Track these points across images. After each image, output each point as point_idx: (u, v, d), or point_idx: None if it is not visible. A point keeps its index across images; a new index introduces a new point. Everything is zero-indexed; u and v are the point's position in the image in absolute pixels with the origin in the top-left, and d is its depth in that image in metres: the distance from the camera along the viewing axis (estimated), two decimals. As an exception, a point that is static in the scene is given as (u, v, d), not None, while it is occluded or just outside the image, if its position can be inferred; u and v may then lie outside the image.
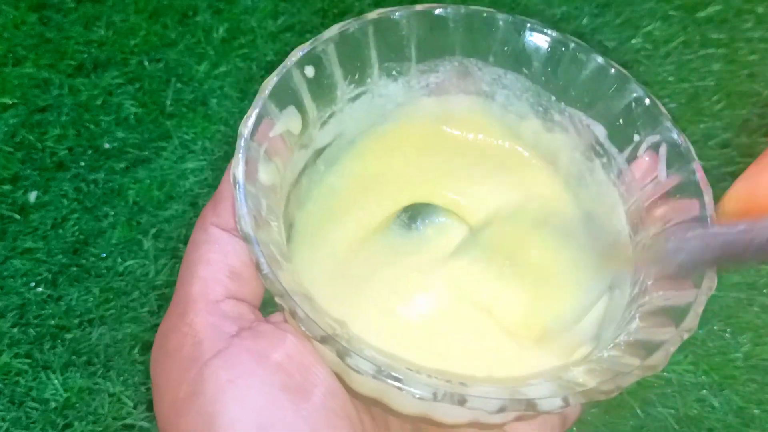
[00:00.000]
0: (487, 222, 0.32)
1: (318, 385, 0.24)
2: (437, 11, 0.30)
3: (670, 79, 0.87)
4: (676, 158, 0.28)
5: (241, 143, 0.26)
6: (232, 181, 0.25)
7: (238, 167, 0.25)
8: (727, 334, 0.74)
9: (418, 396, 0.22)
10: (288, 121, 0.28)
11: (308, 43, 0.28)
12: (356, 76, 0.30)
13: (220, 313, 0.25)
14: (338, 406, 0.24)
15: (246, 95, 0.81)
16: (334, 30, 0.28)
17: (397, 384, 0.22)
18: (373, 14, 0.29)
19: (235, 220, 0.25)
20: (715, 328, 0.74)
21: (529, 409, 0.22)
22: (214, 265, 0.26)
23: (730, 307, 0.75)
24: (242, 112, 0.88)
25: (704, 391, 0.71)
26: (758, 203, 0.23)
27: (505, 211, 0.32)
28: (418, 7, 0.30)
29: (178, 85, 0.81)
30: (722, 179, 0.80)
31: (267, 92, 0.27)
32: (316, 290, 0.25)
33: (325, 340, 0.23)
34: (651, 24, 0.90)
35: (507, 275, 0.31)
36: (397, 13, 0.29)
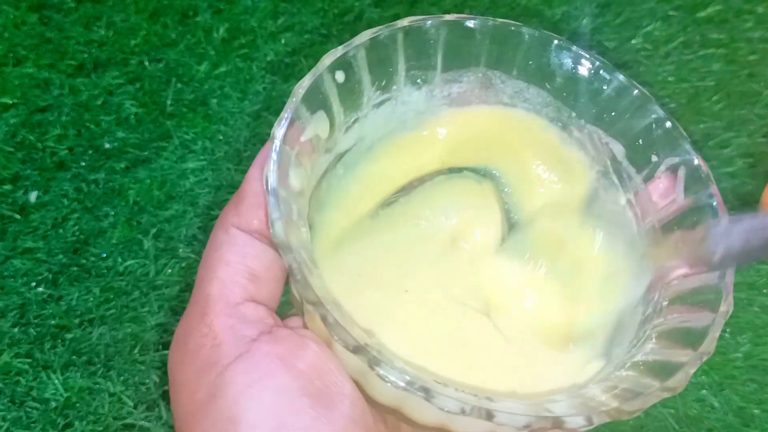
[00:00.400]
0: (531, 218, 0.32)
1: (338, 394, 0.24)
2: (468, 23, 0.30)
3: (670, 79, 0.87)
4: (694, 181, 0.28)
5: (274, 147, 0.26)
6: (264, 186, 0.25)
7: (271, 171, 0.25)
8: (726, 334, 0.74)
9: (446, 410, 0.22)
10: (318, 125, 0.28)
11: (340, 47, 0.28)
12: (383, 83, 0.30)
13: (240, 316, 0.25)
14: (358, 415, 0.24)
15: (246, 95, 0.81)
16: (365, 36, 0.29)
17: (426, 396, 0.22)
18: (403, 21, 0.29)
19: (259, 226, 0.25)
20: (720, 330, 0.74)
21: (555, 426, 0.22)
22: (234, 266, 0.26)
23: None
24: (243, 112, 0.88)
25: (704, 390, 0.71)
26: None
27: (551, 206, 0.32)
28: (448, 17, 0.30)
29: (179, 85, 0.81)
30: (722, 179, 0.80)
31: (300, 96, 0.27)
32: (339, 296, 0.25)
33: (357, 350, 0.22)
34: (651, 24, 0.90)
35: (546, 275, 0.31)
36: (427, 22, 0.29)
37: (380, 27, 0.29)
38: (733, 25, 0.91)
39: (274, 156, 0.25)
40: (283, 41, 0.84)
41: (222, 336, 0.24)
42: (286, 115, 0.26)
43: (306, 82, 0.27)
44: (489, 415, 0.22)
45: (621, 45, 0.88)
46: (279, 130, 0.26)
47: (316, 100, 0.27)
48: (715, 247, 0.26)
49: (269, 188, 0.25)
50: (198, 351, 0.24)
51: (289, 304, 0.28)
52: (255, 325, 0.25)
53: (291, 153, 0.26)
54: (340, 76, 0.28)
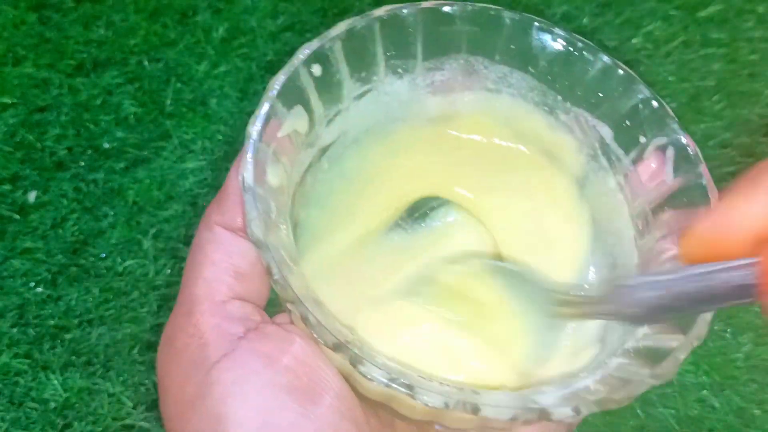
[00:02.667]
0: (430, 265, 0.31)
1: (326, 388, 0.24)
2: (445, 8, 0.29)
3: (671, 78, 0.86)
4: (683, 161, 0.28)
5: (249, 145, 0.25)
6: (241, 184, 0.25)
7: (247, 170, 0.25)
8: (727, 335, 0.74)
9: (430, 405, 0.22)
10: (295, 120, 0.27)
11: (315, 40, 0.28)
12: (362, 74, 0.30)
13: (226, 315, 0.25)
14: (346, 409, 0.24)
15: (246, 95, 0.81)
16: (341, 27, 0.28)
17: (409, 392, 0.22)
18: (380, 11, 0.29)
19: (244, 223, 0.25)
20: (715, 328, 0.74)
21: (542, 418, 0.22)
22: (219, 265, 0.26)
23: (730, 308, 0.74)
24: (242, 112, 0.88)
25: (705, 391, 0.71)
26: (722, 245, 0.21)
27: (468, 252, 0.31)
28: (425, 4, 0.29)
29: (178, 84, 0.81)
30: (722, 179, 0.80)
31: (275, 92, 0.26)
32: (322, 292, 0.25)
33: (337, 347, 0.22)
34: (651, 24, 0.89)
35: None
36: (404, 10, 0.29)
37: (356, 17, 0.29)
38: (734, 24, 0.90)
39: (249, 154, 0.25)
40: (282, 41, 0.84)
41: (208, 335, 0.24)
42: (260, 111, 0.26)
43: (281, 77, 0.27)
44: (474, 409, 0.22)
45: (621, 45, 0.88)
46: (253, 128, 0.25)
47: (292, 95, 0.27)
48: (618, 310, 0.24)
49: (245, 186, 0.24)
50: (185, 350, 0.24)
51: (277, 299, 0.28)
52: (241, 322, 0.25)
53: (268, 150, 0.26)
54: (316, 69, 0.28)
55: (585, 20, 0.89)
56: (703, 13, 0.91)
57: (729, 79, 0.87)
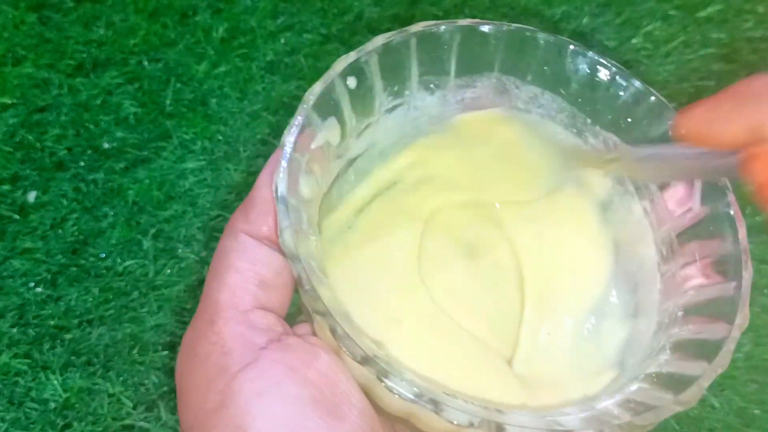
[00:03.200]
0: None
1: (350, 405, 0.24)
2: (481, 27, 0.29)
3: (671, 79, 0.87)
4: (711, 190, 0.28)
5: (284, 155, 0.25)
6: (274, 194, 0.24)
7: (281, 180, 0.25)
8: (727, 335, 0.74)
9: (455, 423, 0.22)
10: (328, 132, 0.27)
11: (352, 53, 0.28)
12: (395, 88, 0.30)
13: (249, 324, 0.25)
14: (367, 425, 0.24)
15: (246, 95, 0.81)
16: (378, 41, 0.28)
17: (435, 409, 0.22)
18: (417, 27, 0.29)
19: (275, 232, 0.25)
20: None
21: None
22: (244, 273, 0.25)
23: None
24: (242, 112, 0.88)
25: (704, 391, 0.71)
26: (710, 133, 0.24)
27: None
28: (462, 22, 0.29)
29: (178, 85, 0.81)
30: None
31: (311, 103, 0.26)
32: (348, 305, 0.25)
33: (366, 361, 0.22)
34: (651, 24, 0.89)
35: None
36: (441, 27, 0.29)
37: (393, 32, 0.28)
38: (734, 24, 0.90)
39: (284, 164, 0.25)
40: (282, 41, 0.84)
41: (231, 343, 0.24)
42: (296, 121, 0.26)
43: (317, 88, 0.27)
44: (499, 429, 0.22)
45: (621, 45, 0.88)
46: (289, 138, 0.25)
47: (327, 107, 0.27)
48: (631, 162, 0.28)
49: (279, 196, 0.24)
50: (207, 358, 0.24)
51: (297, 310, 0.28)
52: (264, 332, 0.25)
53: (301, 160, 0.26)
54: (351, 81, 0.28)
55: (585, 20, 0.89)
56: (702, 14, 0.91)
57: (729, 80, 0.87)
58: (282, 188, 0.24)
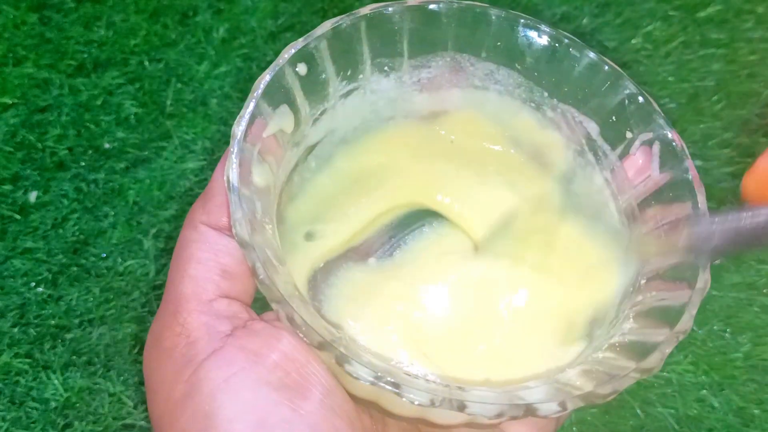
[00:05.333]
0: (512, 215, 0.32)
1: (316, 384, 0.24)
2: (430, 6, 0.29)
3: (670, 79, 0.87)
4: (669, 156, 0.28)
5: (234, 145, 0.25)
6: (226, 184, 0.24)
7: (232, 170, 0.25)
8: (727, 334, 0.74)
9: (417, 403, 0.22)
10: (281, 120, 0.27)
11: (300, 39, 0.28)
12: (348, 73, 0.30)
13: (214, 313, 0.25)
14: (337, 405, 0.24)
15: (246, 95, 0.81)
16: (326, 26, 0.28)
17: (396, 390, 0.22)
18: (365, 9, 0.29)
19: (230, 224, 0.25)
20: (715, 328, 0.74)
21: (528, 414, 0.22)
22: (205, 263, 0.26)
23: (730, 307, 0.75)
24: (242, 112, 0.87)
25: (704, 391, 0.71)
26: None
27: (530, 202, 0.32)
28: (411, 2, 0.29)
29: (178, 85, 0.81)
30: (722, 179, 0.80)
31: (259, 91, 0.26)
32: (307, 290, 0.25)
33: (322, 346, 0.22)
34: (651, 24, 0.90)
35: (536, 267, 0.31)
36: (389, 8, 0.29)
37: (341, 16, 0.28)
38: (733, 25, 0.90)
39: (234, 154, 0.25)
40: (283, 41, 0.84)
41: (196, 333, 0.24)
42: (245, 112, 0.26)
43: (266, 77, 0.27)
44: (461, 406, 0.22)
45: (621, 45, 0.88)
46: (238, 128, 0.25)
47: (277, 95, 0.27)
48: (698, 248, 0.26)
49: (231, 187, 0.24)
50: (172, 349, 0.24)
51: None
52: (229, 320, 0.25)
53: (253, 150, 0.26)
54: (302, 68, 0.28)
55: (585, 20, 0.89)
56: (702, 14, 0.91)
57: (728, 80, 0.87)
58: (233, 178, 0.24)
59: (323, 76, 0.29)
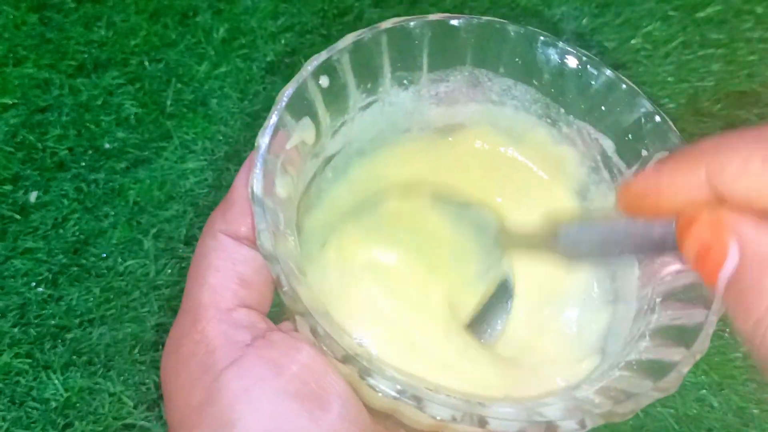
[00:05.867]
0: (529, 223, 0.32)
1: (334, 395, 0.24)
2: (452, 21, 0.29)
3: (670, 79, 0.87)
4: None
5: (258, 157, 0.25)
6: (250, 196, 0.24)
7: (256, 182, 0.25)
8: (726, 334, 0.74)
9: (438, 418, 0.22)
10: (303, 132, 0.27)
11: (324, 52, 0.28)
12: (369, 86, 0.30)
13: (232, 322, 0.25)
14: (354, 417, 0.24)
15: (246, 96, 0.81)
16: (348, 39, 0.28)
17: (417, 405, 0.22)
18: (387, 23, 0.29)
19: (252, 232, 0.25)
20: (714, 327, 0.74)
21: (548, 431, 0.22)
22: (224, 272, 0.26)
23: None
24: (243, 113, 0.88)
25: (704, 390, 0.71)
26: (653, 205, 0.23)
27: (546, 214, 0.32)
28: (432, 17, 0.29)
29: (179, 85, 0.81)
30: (722, 179, 0.80)
31: (283, 103, 0.26)
32: (328, 303, 0.25)
33: (346, 359, 0.22)
34: (651, 24, 0.90)
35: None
36: (411, 23, 0.29)
37: (363, 30, 0.29)
38: (733, 25, 0.91)
39: (258, 166, 0.25)
40: (283, 41, 0.84)
41: (215, 342, 0.24)
42: (270, 123, 0.26)
43: (289, 89, 0.27)
44: (481, 422, 0.22)
45: (620, 45, 0.88)
46: (263, 139, 0.25)
47: (300, 107, 0.27)
48: (563, 248, 0.26)
49: (255, 198, 0.24)
50: (191, 357, 0.24)
51: (278, 307, 0.28)
52: (248, 330, 0.25)
53: (276, 161, 0.26)
54: (324, 80, 0.28)
55: (584, 21, 0.89)
56: (702, 14, 0.91)
57: (728, 80, 0.87)
58: (258, 190, 0.24)
59: (344, 88, 0.29)
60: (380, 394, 0.22)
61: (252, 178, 0.25)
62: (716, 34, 0.90)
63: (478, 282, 0.31)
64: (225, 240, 0.26)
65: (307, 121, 0.27)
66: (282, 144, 0.26)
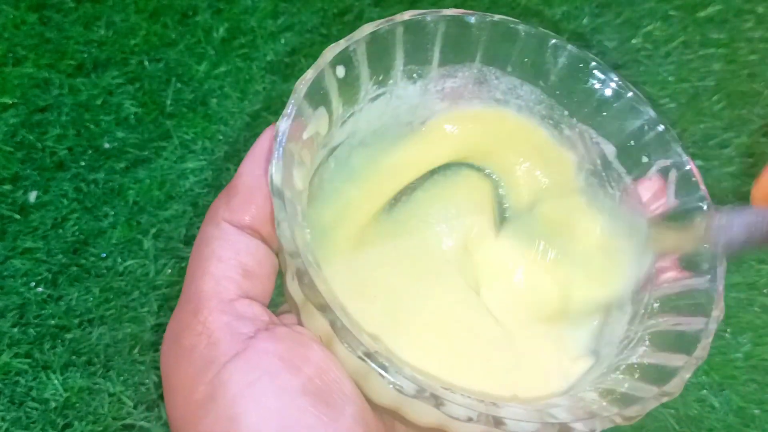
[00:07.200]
0: (532, 204, 0.32)
1: (339, 392, 0.23)
2: (467, 17, 0.29)
3: (670, 79, 0.87)
4: (685, 184, 0.28)
5: (278, 146, 0.24)
6: (270, 188, 0.24)
7: (277, 171, 0.24)
8: (727, 334, 0.74)
9: (454, 417, 0.22)
10: (318, 122, 0.27)
11: (342, 41, 0.27)
12: (380, 77, 0.30)
13: (235, 313, 0.24)
14: (359, 413, 0.24)
15: (246, 95, 0.81)
16: (366, 29, 0.28)
17: (437, 404, 0.22)
18: (404, 15, 0.29)
19: (251, 222, 0.24)
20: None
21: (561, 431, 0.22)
22: (227, 262, 0.25)
23: (730, 307, 0.75)
24: (242, 112, 0.88)
25: (704, 391, 0.71)
26: None
27: (553, 189, 0.32)
28: (448, 12, 0.29)
29: (178, 85, 0.81)
30: (722, 179, 0.80)
31: (303, 92, 0.26)
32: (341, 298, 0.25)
33: (368, 356, 0.22)
34: (651, 24, 0.90)
35: (548, 257, 0.31)
36: (428, 17, 0.29)
37: (380, 21, 0.28)
38: (734, 25, 0.90)
39: (278, 154, 0.24)
40: (282, 41, 0.84)
41: (218, 333, 0.24)
42: (289, 110, 0.25)
43: (308, 76, 0.26)
44: (497, 422, 0.22)
45: (621, 45, 0.88)
46: (283, 126, 0.25)
47: (317, 96, 0.27)
48: (716, 238, 0.26)
49: (274, 189, 0.23)
50: (193, 349, 0.24)
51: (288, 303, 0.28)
52: (251, 322, 0.24)
53: (294, 151, 0.25)
54: (340, 70, 0.28)
55: (585, 20, 0.89)
56: (702, 14, 0.91)
57: (728, 80, 0.87)
58: (277, 180, 0.24)
59: (358, 79, 0.29)
60: (387, 390, 0.22)
61: (271, 168, 0.24)
62: (717, 34, 0.90)
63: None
64: (228, 229, 0.25)
65: (322, 110, 0.27)
66: (299, 133, 0.26)
